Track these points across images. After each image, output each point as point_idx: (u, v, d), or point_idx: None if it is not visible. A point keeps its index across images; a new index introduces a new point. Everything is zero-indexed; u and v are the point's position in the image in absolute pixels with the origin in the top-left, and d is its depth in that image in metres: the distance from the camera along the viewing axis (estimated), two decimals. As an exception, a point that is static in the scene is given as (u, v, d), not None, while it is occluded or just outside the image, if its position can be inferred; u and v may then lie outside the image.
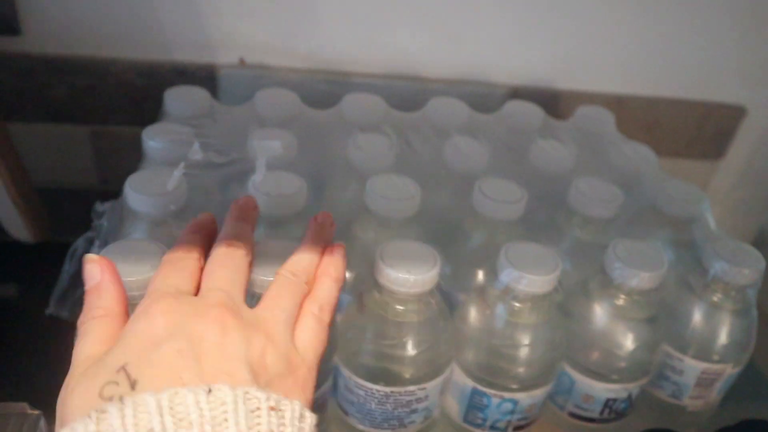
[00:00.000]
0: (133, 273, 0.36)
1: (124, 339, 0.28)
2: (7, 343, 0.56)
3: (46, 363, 0.54)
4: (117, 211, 0.46)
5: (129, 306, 0.36)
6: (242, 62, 0.61)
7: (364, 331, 0.41)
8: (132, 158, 0.65)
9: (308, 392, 0.29)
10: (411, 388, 0.41)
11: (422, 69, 0.64)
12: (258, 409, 0.24)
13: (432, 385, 0.42)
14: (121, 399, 0.24)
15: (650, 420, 0.50)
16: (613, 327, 0.44)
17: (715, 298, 0.46)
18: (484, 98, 0.64)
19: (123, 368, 0.26)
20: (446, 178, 0.51)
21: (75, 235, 0.49)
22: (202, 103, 0.53)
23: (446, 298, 0.43)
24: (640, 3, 0.62)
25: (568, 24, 0.63)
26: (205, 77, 0.61)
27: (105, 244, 0.46)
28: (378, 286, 0.40)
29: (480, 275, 0.46)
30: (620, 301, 0.44)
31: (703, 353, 0.47)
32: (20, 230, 0.53)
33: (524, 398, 0.44)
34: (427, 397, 0.43)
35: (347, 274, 0.44)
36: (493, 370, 0.43)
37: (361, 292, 0.42)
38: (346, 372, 0.42)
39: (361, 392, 0.42)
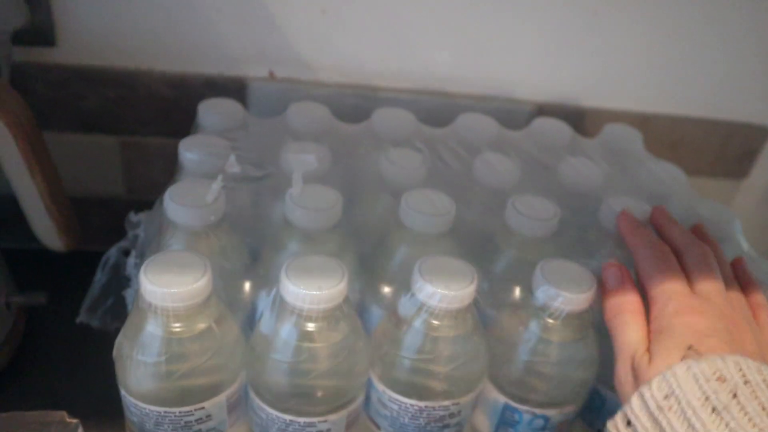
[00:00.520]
0: (177, 284, 0.36)
1: (676, 329, 0.36)
2: (38, 350, 0.56)
3: (76, 371, 0.55)
4: (154, 221, 0.47)
5: (171, 316, 0.37)
6: (272, 75, 0.62)
7: (399, 346, 0.41)
8: (159, 168, 0.66)
9: None
10: (445, 403, 0.42)
11: (449, 84, 0.64)
12: None
13: (465, 401, 0.42)
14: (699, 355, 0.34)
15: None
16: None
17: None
18: (510, 114, 0.64)
19: (691, 347, 0.35)
20: (477, 194, 0.51)
21: (102, 243, 0.50)
22: (235, 116, 0.54)
23: (479, 313, 0.44)
24: (666, 22, 0.63)
25: (594, 42, 0.63)
26: (235, 90, 0.61)
27: (142, 254, 0.47)
28: (415, 301, 0.40)
29: (512, 292, 0.46)
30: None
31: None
32: (53, 239, 0.54)
33: (555, 415, 0.44)
34: (460, 412, 0.43)
35: (385, 289, 0.45)
36: (525, 387, 0.43)
37: (396, 306, 0.42)
38: (379, 386, 0.42)
39: (395, 406, 0.42)
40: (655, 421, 0.33)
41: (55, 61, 0.59)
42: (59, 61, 0.59)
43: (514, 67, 0.64)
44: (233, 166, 0.46)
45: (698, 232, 0.46)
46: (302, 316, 0.38)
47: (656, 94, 0.67)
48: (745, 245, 0.50)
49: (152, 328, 0.37)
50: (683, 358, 0.35)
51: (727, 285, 0.40)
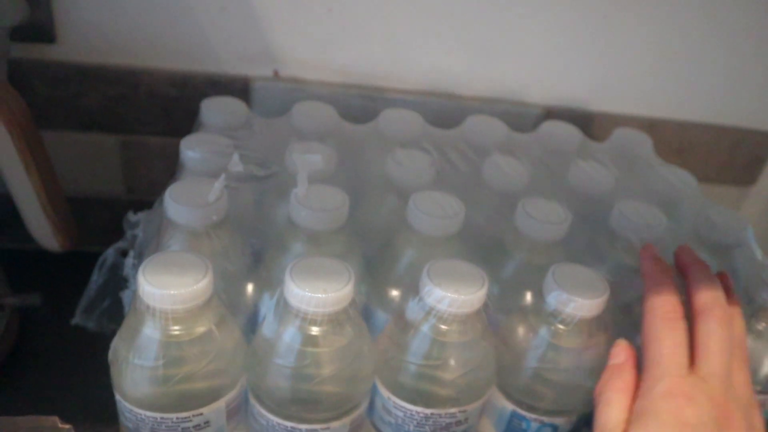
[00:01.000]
0: (178, 285, 0.35)
1: (661, 415, 0.34)
2: (33, 352, 0.55)
3: (71, 375, 0.53)
4: (153, 221, 0.46)
5: (170, 318, 0.35)
6: (276, 75, 0.61)
7: (405, 351, 0.40)
8: (160, 168, 0.65)
9: None
10: (452, 410, 0.40)
11: (456, 86, 0.63)
12: None
13: (472, 408, 0.41)
14: None
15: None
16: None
17: (760, 327, 0.45)
18: (517, 117, 0.63)
19: None
20: (486, 197, 0.50)
21: (100, 244, 0.49)
22: (239, 114, 0.53)
23: (488, 319, 0.42)
24: (675, 27, 0.62)
25: (603, 46, 0.62)
26: (239, 89, 0.60)
27: (140, 255, 0.46)
28: (423, 305, 0.39)
29: (521, 296, 0.44)
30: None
31: (749, 383, 0.45)
32: (49, 239, 0.53)
33: (564, 424, 0.43)
34: (466, 420, 0.41)
35: (392, 292, 0.44)
36: (534, 394, 0.42)
37: (403, 310, 0.41)
38: (384, 392, 0.41)
39: (400, 413, 0.41)
40: None
41: (55, 59, 0.58)
42: (59, 59, 0.58)
43: (522, 70, 0.63)
44: (237, 165, 0.44)
45: (724, 281, 0.42)
46: (306, 320, 0.37)
47: (664, 99, 0.67)
48: (758, 252, 0.49)
49: (150, 331, 0.36)
50: None
51: (738, 364, 0.37)
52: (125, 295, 0.45)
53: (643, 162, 0.57)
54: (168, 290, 0.35)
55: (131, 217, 0.48)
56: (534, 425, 0.43)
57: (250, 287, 0.43)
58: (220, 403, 0.38)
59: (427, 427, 0.41)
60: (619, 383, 0.37)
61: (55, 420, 0.38)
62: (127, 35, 0.58)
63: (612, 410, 0.36)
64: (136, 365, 0.36)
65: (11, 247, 0.57)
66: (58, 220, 0.52)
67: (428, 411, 0.40)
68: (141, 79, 0.59)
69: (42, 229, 0.52)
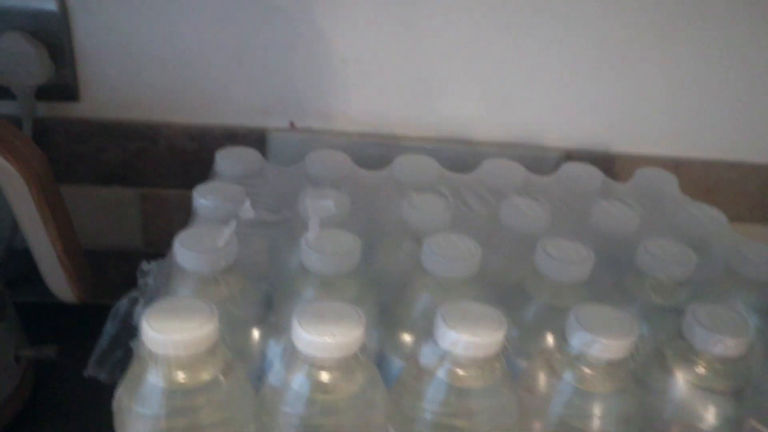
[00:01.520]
0: (180, 330, 0.34)
1: None
2: (47, 404, 0.54)
3: (84, 426, 0.52)
4: (164, 269, 0.45)
5: (173, 365, 0.34)
6: (292, 125, 0.61)
7: (420, 398, 0.38)
8: (178, 221, 0.64)
9: None
10: (472, 461, 0.38)
11: (473, 132, 0.63)
12: None
13: (495, 460, 0.38)
14: None
15: None
16: (694, 398, 0.40)
17: (807, 370, 0.42)
18: (537, 162, 0.62)
19: None
20: (504, 240, 0.48)
21: (118, 297, 0.48)
22: (253, 163, 0.53)
23: (507, 365, 0.40)
24: (696, 64, 0.61)
25: (622, 86, 0.62)
26: (255, 140, 0.61)
27: (150, 303, 0.45)
28: (438, 349, 0.37)
29: (543, 340, 0.42)
30: (702, 370, 0.40)
31: (796, 431, 0.42)
32: (65, 291, 0.53)
33: (596, 478, 0.39)
34: (489, 473, 0.39)
35: (407, 339, 0.42)
36: (562, 444, 0.39)
37: (417, 355, 0.39)
38: (400, 444, 0.39)
39: (417, 466, 0.38)
40: None
41: (78, 116, 0.59)
42: (82, 116, 0.59)
43: (540, 113, 0.63)
44: (248, 212, 0.44)
45: None
46: (315, 366, 0.35)
47: (688, 138, 0.65)
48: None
49: (153, 379, 0.35)
50: None
51: None
52: (135, 345, 0.45)
53: (668, 200, 0.55)
54: (171, 335, 0.34)
55: (144, 266, 0.48)
56: (562, 478, 0.40)
57: (259, 334, 0.41)
58: (227, 455, 0.37)
59: (446, 482, 0.38)
60: None
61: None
62: (146, 91, 0.59)
63: None
64: (139, 414, 0.35)
65: (29, 300, 0.58)
66: (74, 272, 0.52)
67: (447, 463, 0.38)
68: (160, 132, 0.60)
69: (58, 281, 0.52)
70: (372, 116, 0.62)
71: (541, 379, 0.40)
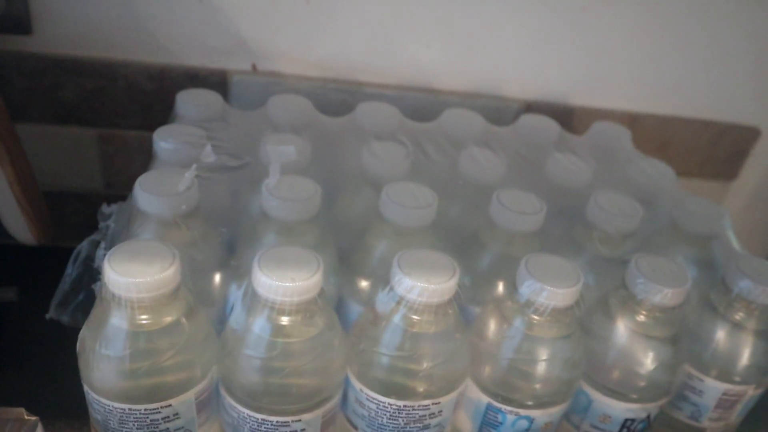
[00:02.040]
0: (143, 274, 0.34)
1: None
2: (6, 347, 0.54)
3: (46, 369, 0.53)
4: (124, 212, 0.45)
5: (136, 307, 0.35)
6: (254, 68, 0.61)
7: (377, 342, 0.39)
8: (138, 163, 0.64)
9: None
10: (425, 402, 0.40)
11: (435, 81, 0.63)
12: None
13: (446, 400, 0.41)
14: None
15: (667, 443, 0.48)
16: (634, 344, 0.43)
17: (737, 317, 0.45)
18: (497, 112, 0.63)
19: None
20: (461, 189, 0.50)
21: (78, 239, 0.48)
22: (214, 107, 0.52)
23: (461, 312, 0.42)
24: (657, 20, 0.62)
25: (583, 40, 0.62)
26: (217, 83, 0.60)
27: (112, 246, 0.45)
28: (394, 295, 0.38)
29: (496, 288, 0.44)
30: (642, 317, 0.42)
31: (725, 374, 0.45)
32: (23, 232, 0.52)
33: (540, 416, 0.42)
34: (441, 412, 0.41)
35: (365, 285, 0.44)
36: (509, 386, 0.41)
37: (374, 301, 0.40)
38: (356, 384, 0.41)
39: (372, 406, 0.40)
40: None
41: (31, 50, 0.57)
42: (35, 50, 0.57)
43: (501, 64, 0.63)
44: (209, 156, 0.44)
45: None
46: (275, 310, 0.36)
47: (645, 94, 0.66)
48: (734, 241, 0.49)
49: (116, 321, 0.35)
50: None
51: None
52: (98, 287, 0.45)
53: (621, 155, 0.57)
54: (134, 278, 0.34)
55: (105, 209, 0.48)
56: (510, 418, 0.42)
57: (221, 278, 0.42)
58: (189, 395, 0.38)
59: (400, 420, 0.41)
60: None
61: (21, 411, 0.38)
62: (104, 27, 0.57)
63: None
64: (103, 355, 0.36)
65: (-12, 243, 0.57)
66: (32, 212, 0.51)
67: (401, 403, 0.40)
68: (119, 71, 0.59)
69: (16, 222, 0.51)
70: (335, 61, 0.61)
71: (493, 325, 0.42)
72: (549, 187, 0.51)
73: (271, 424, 0.39)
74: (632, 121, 0.67)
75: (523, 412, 0.42)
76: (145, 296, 0.35)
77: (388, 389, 0.40)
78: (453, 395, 0.41)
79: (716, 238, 0.48)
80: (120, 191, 0.65)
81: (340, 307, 0.45)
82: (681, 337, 0.44)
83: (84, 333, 0.37)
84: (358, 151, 0.49)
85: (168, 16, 0.57)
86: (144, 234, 0.40)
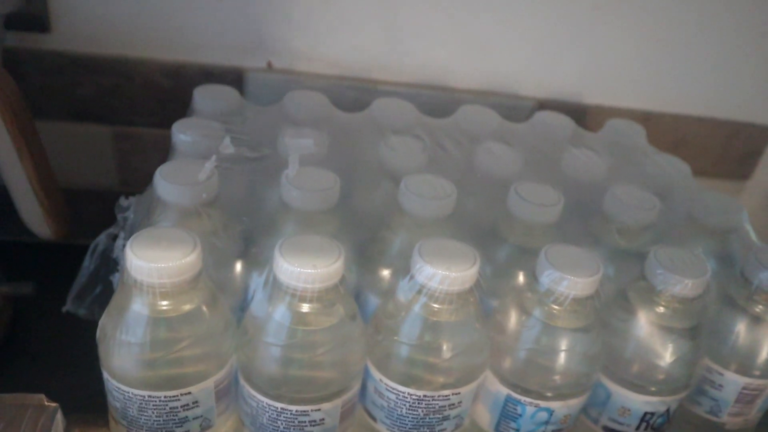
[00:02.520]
0: (165, 259, 0.35)
1: None
2: (24, 340, 0.55)
3: (63, 361, 0.53)
4: (143, 204, 0.46)
5: (158, 293, 0.35)
6: (270, 66, 0.61)
7: (397, 331, 0.39)
8: (154, 160, 0.63)
9: None
10: (445, 392, 0.40)
11: (450, 79, 0.64)
12: None
13: (466, 391, 0.40)
14: None
15: (686, 438, 0.48)
16: (654, 336, 0.42)
17: (757, 310, 0.44)
18: (511, 110, 0.63)
19: None
20: (478, 183, 0.50)
21: (94, 236, 0.48)
22: (231, 102, 0.53)
23: (481, 303, 0.42)
24: (670, 19, 0.62)
25: (597, 39, 0.63)
26: (232, 80, 0.60)
27: (130, 236, 0.45)
28: (414, 284, 0.38)
29: (515, 279, 0.44)
30: (661, 309, 0.42)
31: (745, 368, 0.45)
32: (41, 226, 0.52)
33: (560, 408, 0.42)
34: (460, 403, 0.41)
35: (384, 276, 0.44)
36: (528, 377, 0.41)
37: (394, 290, 0.40)
38: (376, 374, 0.40)
39: (392, 396, 0.40)
40: None
41: (49, 48, 0.58)
42: (53, 48, 0.58)
43: (515, 63, 0.64)
44: (228, 147, 0.44)
45: None
46: (296, 297, 0.36)
47: (659, 92, 0.67)
48: (753, 234, 0.48)
49: (137, 307, 0.35)
50: None
51: None
52: (116, 279, 0.45)
53: (636, 150, 0.57)
54: (156, 263, 0.34)
55: (123, 201, 0.48)
56: (529, 409, 0.42)
57: (241, 267, 0.42)
58: (209, 383, 0.38)
59: (419, 410, 0.40)
60: None
61: (42, 398, 0.38)
62: (121, 25, 0.58)
63: None
64: (124, 342, 0.36)
65: (6, 239, 0.57)
66: (50, 206, 0.51)
67: (420, 393, 0.40)
68: (135, 69, 0.59)
69: (34, 215, 0.51)
70: (351, 59, 0.62)
71: (512, 316, 0.42)
72: (565, 181, 0.51)
73: (291, 414, 0.38)
74: (645, 119, 0.67)
75: (542, 403, 0.42)
76: (166, 282, 0.35)
77: (407, 379, 0.40)
78: (473, 386, 0.41)
79: (734, 231, 0.48)
80: (135, 189, 0.65)
81: (359, 300, 0.44)
82: (701, 329, 0.44)
83: (104, 320, 0.37)
84: (376, 145, 0.50)
85: (184, 14, 0.58)
86: (164, 223, 0.40)
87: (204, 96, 0.52)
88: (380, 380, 0.40)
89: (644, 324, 0.42)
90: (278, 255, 0.36)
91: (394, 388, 0.40)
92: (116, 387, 0.37)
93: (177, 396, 0.37)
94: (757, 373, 0.45)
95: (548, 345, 0.41)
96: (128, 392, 0.37)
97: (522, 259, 0.44)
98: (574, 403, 0.42)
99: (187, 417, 0.38)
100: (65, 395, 0.43)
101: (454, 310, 0.39)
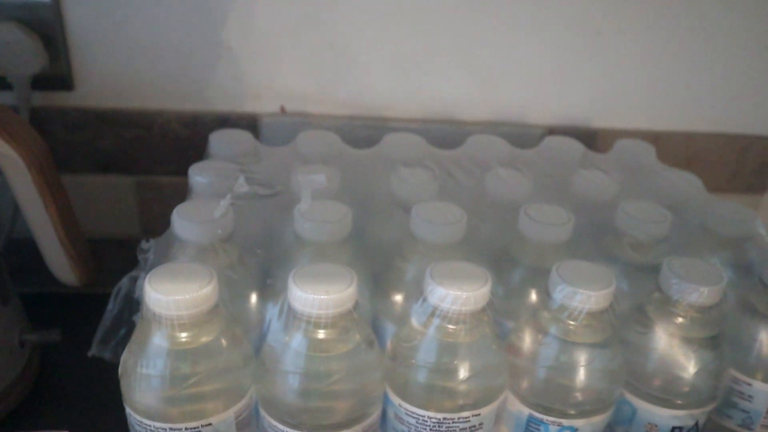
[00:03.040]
0: (182, 291, 0.36)
1: None
2: (53, 385, 0.56)
3: (90, 402, 0.54)
4: (163, 244, 0.47)
5: (176, 325, 0.36)
6: (283, 110, 0.63)
7: (414, 354, 0.40)
8: (174, 207, 0.66)
9: None
10: (465, 414, 0.40)
11: (459, 112, 0.65)
12: None
13: (486, 412, 0.40)
14: None
15: (719, 456, 0.47)
16: (674, 348, 0.42)
17: (779, 318, 0.44)
18: (520, 138, 0.64)
19: None
20: (490, 209, 0.50)
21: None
22: (246, 144, 0.54)
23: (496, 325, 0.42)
24: (671, 37, 0.63)
25: (602, 63, 0.64)
26: (247, 126, 0.62)
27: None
28: (427, 306, 0.39)
29: (529, 299, 0.44)
30: (680, 320, 0.42)
31: (773, 377, 0.44)
32: (67, 274, 0.54)
33: (583, 426, 0.41)
34: (481, 425, 0.41)
35: (399, 304, 0.44)
36: (549, 395, 0.41)
37: (408, 316, 0.41)
38: (395, 399, 0.41)
39: (412, 420, 0.40)
40: None
41: (73, 105, 0.61)
42: (77, 105, 0.61)
43: (522, 92, 0.65)
44: (242, 186, 0.46)
45: None
46: (311, 323, 0.37)
47: (668, 111, 0.67)
48: (770, 242, 0.48)
49: (157, 340, 0.36)
50: None
51: None
52: (137, 319, 0.46)
53: (647, 169, 0.57)
54: (174, 296, 0.35)
55: (144, 245, 0.49)
56: (552, 429, 0.42)
57: (258, 299, 0.43)
58: (229, 413, 0.38)
59: (440, 434, 0.40)
60: None
61: (67, 436, 0.38)
62: (139, 79, 0.61)
63: None
64: (144, 375, 0.37)
65: (32, 291, 0.59)
66: (76, 254, 0.53)
67: (440, 416, 0.40)
68: (154, 120, 0.62)
69: (60, 263, 0.53)
70: (360, 99, 0.63)
71: (528, 335, 0.42)
72: (576, 202, 0.51)
73: (452, 421, 0.39)
74: (655, 139, 0.67)
75: (565, 422, 0.41)
76: (184, 313, 0.36)
77: (427, 402, 0.40)
78: (493, 406, 0.41)
79: (749, 239, 0.48)
80: (157, 235, 0.68)
81: (375, 328, 0.45)
82: (722, 338, 0.43)
83: (126, 355, 0.38)
84: (387, 178, 0.51)
85: (198, 65, 0.60)
86: (182, 259, 0.41)
87: (219, 140, 0.54)
88: (399, 405, 0.40)
89: (664, 336, 0.42)
90: (292, 283, 0.37)
91: (413, 413, 0.40)
92: (138, 421, 0.38)
93: (198, 428, 0.38)
94: (783, 384, 0.44)
95: (567, 361, 0.40)
96: (150, 425, 0.38)
97: (535, 280, 0.44)
98: (598, 420, 0.42)
99: (209, 449, 0.39)
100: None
101: (469, 331, 0.39)
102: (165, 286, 0.36)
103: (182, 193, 0.53)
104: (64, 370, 0.58)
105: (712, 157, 0.69)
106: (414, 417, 0.40)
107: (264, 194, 0.47)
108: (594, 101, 0.66)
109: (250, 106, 0.63)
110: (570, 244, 0.46)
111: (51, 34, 0.56)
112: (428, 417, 0.40)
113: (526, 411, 0.42)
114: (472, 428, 0.40)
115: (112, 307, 0.49)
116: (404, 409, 0.40)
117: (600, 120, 0.67)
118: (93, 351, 0.49)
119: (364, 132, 0.63)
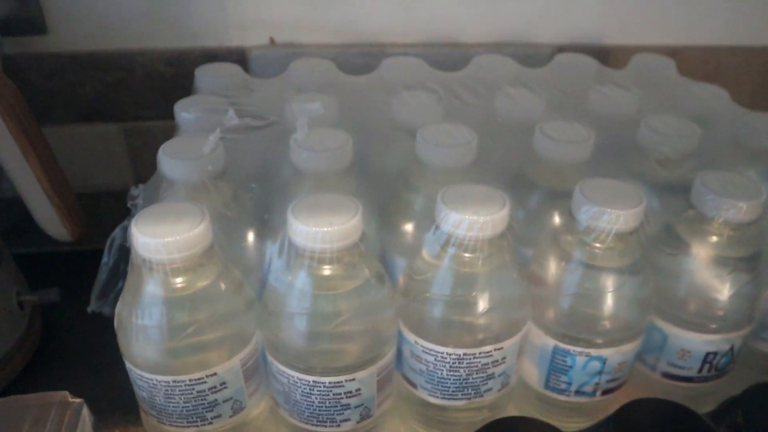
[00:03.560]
0: (172, 233, 0.32)
1: None
2: (52, 346, 0.54)
3: (94, 360, 0.52)
4: (151, 188, 0.44)
5: (169, 270, 0.33)
6: (272, 42, 0.59)
7: (428, 287, 0.37)
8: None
9: None
10: (486, 348, 0.37)
11: (461, 34, 0.61)
12: None
13: (509, 345, 0.38)
14: None
15: (754, 379, 0.44)
16: (709, 269, 0.39)
17: (820, 230, 0.40)
18: (528, 59, 0.60)
19: None
20: (500, 130, 0.47)
21: (115, 236, 0.47)
22: (234, 77, 0.51)
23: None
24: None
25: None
26: (236, 60, 0.58)
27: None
28: (441, 234, 0.35)
29: (550, 222, 0.41)
30: (714, 238, 0.39)
31: (814, 294, 0.41)
32: (57, 228, 0.51)
33: (613, 355, 0.39)
34: (504, 359, 0.38)
35: (409, 235, 0.41)
36: (575, 324, 0.38)
37: (420, 247, 0.38)
38: (410, 337, 0.38)
39: (430, 358, 0.38)
40: None
41: (48, 50, 0.57)
42: (52, 49, 0.57)
43: (529, 10, 0.60)
44: (232, 119, 0.42)
45: None
46: (315, 259, 0.34)
47: (686, 24, 0.62)
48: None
49: (150, 288, 0.34)
50: None
51: None
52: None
53: (667, 83, 0.53)
54: (163, 239, 0.32)
55: (133, 191, 0.46)
56: (580, 360, 0.39)
57: (257, 237, 0.40)
58: (234, 362, 0.36)
59: (461, 371, 0.38)
60: None
61: (65, 395, 0.36)
62: (117, 18, 0.56)
63: None
64: (140, 326, 0.34)
65: (26, 251, 0.56)
66: (64, 207, 0.50)
67: (461, 351, 0.37)
68: (136, 61, 0.58)
69: (49, 217, 0.50)
70: (354, 25, 0.59)
71: (551, 261, 0.39)
72: (594, 119, 0.47)
73: (324, 386, 0.36)
74: (672, 55, 0.62)
75: (593, 352, 0.38)
76: (176, 257, 0.33)
77: (445, 338, 0.37)
78: (515, 339, 0.38)
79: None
80: (151, 183, 0.65)
81: (384, 263, 0.42)
82: (760, 257, 0.40)
83: (119, 307, 0.36)
84: (387, 104, 0.47)
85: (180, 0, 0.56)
86: (172, 200, 0.38)
87: (206, 75, 0.51)
88: (416, 342, 0.38)
89: (697, 256, 0.39)
90: (291, 216, 0.34)
91: (431, 350, 0.37)
92: (140, 376, 0.35)
93: (203, 378, 0.35)
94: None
95: (593, 287, 0.37)
96: (152, 380, 0.35)
97: (555, 204, 0.41)
98: (628, 348, 0.39)
99: (216, 400, 0.36)
100: (97, 394, 0.42)
101: (487, 259, 0.36)
102: (153, 229, 0.33)
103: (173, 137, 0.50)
104: (68, 329, 0.56)
105: (735, 73, 0.65)
106: (432, 354, 0.37)
107: (256, 126, 0.43)
108: (605, 16, 0.61)
109: (237, 40, 0.59)
110: (591, 164, 0.42)
111: (16, -29, 0.52)
112: (447, 353, 0.37)
113: (552, 342, 0.39)
114: (495, 363, 0.38)
115: (107, 260, 0.46)
116: (421, 346, 0.38)
117: (612, 36, 0.62)
118: (92, 307, 0.47)
119: (360, 60, 0.59)
